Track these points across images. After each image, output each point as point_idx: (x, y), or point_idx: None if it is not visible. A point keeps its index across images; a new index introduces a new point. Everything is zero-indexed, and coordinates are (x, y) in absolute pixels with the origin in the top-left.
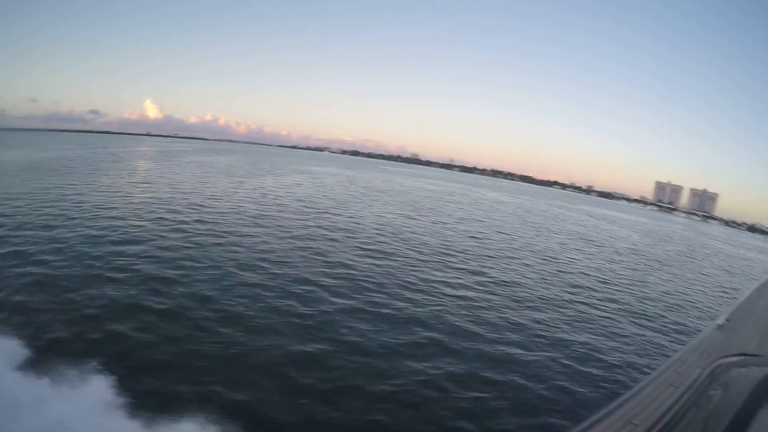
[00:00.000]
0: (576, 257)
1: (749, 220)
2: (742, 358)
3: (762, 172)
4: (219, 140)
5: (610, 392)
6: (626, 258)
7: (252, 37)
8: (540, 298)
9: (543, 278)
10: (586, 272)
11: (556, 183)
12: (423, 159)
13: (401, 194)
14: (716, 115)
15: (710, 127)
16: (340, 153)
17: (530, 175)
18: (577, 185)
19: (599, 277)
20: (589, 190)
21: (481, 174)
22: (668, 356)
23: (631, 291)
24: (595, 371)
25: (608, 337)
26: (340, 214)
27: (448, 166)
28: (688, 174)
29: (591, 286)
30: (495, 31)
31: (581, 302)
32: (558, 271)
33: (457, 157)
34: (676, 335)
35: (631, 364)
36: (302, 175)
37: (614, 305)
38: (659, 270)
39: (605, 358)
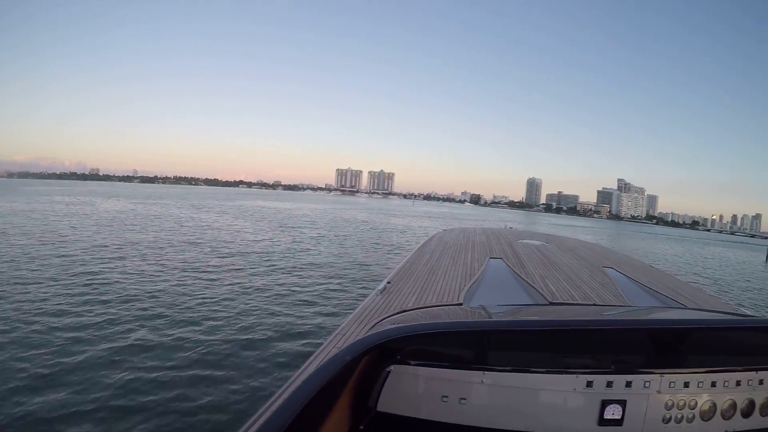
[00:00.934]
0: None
1: (425, 191)
2: (400, 314)
3: (426, 152)
4: None
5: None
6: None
7: None
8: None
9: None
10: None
11: (241, 182)
12: (102, 173)
13: None
14: (379, 105)
15: (378, 116)
16: (6, 177)
17: (217, 177)
18: (265, 182)
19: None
20: (275, 185)
21: (163, 183)
22: (332, 332)
23: (282, 285)
24: (262, 366)
25: (267, 333)
26: None
27: (129, 178)
28: (368, 160)
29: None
30: (169, 36)
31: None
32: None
33: (142, 167)
34: (343, 313)
35: (297, 353)
36: None
37: (265, 298)
38: (322, 254)
39: (267, 355)
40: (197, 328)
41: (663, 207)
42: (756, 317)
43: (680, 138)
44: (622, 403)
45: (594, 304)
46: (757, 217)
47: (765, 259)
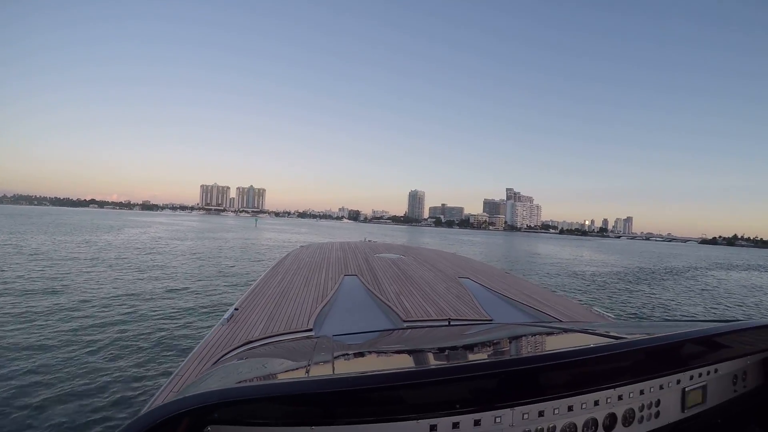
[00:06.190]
0: None
1: (300, 209)
2: (245, 347)
3: (300, 168)
4: None
5: None
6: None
7: None
8: None
9: None
10: None
11: (93, 201)
12: None
13: None
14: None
15: (247, 129)
16: None
17: (68, 197)
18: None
19: None
20: (131, 205)
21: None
22: (171, 372)
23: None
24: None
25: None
26: None
27: None
28: (237, 176)
29: None
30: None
31: None
32: None
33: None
34: (188, 345)
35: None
36: None
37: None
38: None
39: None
40: None
41: (545, 215)
42: (617, 335)
43: (547, 146)
44: None
45: (448, 320)
46: (628, 219)
47: None
